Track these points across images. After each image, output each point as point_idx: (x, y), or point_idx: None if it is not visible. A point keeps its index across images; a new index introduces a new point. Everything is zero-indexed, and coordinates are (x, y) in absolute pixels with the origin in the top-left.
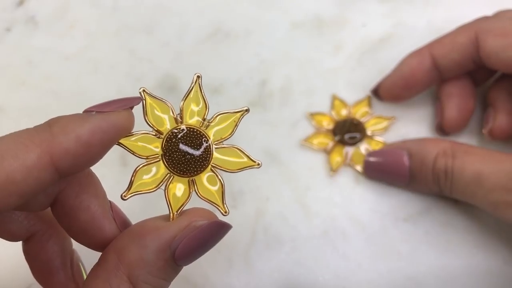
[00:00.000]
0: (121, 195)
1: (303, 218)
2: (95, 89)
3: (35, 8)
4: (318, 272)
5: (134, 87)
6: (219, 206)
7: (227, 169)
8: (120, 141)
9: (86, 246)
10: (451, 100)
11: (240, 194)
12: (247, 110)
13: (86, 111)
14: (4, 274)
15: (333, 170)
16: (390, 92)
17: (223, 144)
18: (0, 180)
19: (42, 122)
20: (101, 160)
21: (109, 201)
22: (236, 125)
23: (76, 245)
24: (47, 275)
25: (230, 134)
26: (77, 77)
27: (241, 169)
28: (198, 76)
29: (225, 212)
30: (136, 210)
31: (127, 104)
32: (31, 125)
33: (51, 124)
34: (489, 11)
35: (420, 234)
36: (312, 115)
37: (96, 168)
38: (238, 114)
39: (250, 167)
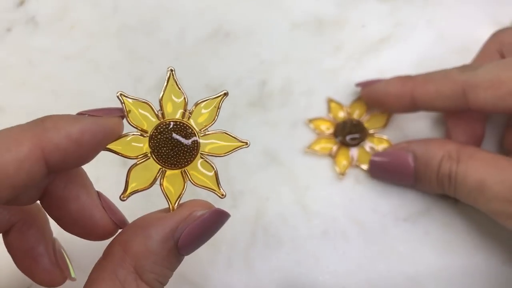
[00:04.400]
0: (120, 197)
1: (303, 218)
2: (95, 89)
3: (36, 8)
4: (318, 272)
5: (134, 87)
6: (215, 190)
7: (217, 154)
8: (108, 146)
9: (78, 236)
10: (458, 126)
11: (240, 194)
12: (226, 94)
13: (79, 114)
14: (4, 274)
15: (341, 174)
16: (368, 101)
17: (208, 131)
18: None
19: None
20: (101, 160)
21: (97, 191)
22: (218, 110)
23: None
24: (31, 263)
25: (213, 120)
26: (77, 77)
27: (231, 152)
28: (172, 70)
29: (222, 195)
30: (137, 208)
31: (117, 113)
32: None
33: (43, 120)
34: (489, 11)
35: (420, 234)
36: (311, 121)
37: (96, 168)
38: (218, 99)
39: (239, 147)
